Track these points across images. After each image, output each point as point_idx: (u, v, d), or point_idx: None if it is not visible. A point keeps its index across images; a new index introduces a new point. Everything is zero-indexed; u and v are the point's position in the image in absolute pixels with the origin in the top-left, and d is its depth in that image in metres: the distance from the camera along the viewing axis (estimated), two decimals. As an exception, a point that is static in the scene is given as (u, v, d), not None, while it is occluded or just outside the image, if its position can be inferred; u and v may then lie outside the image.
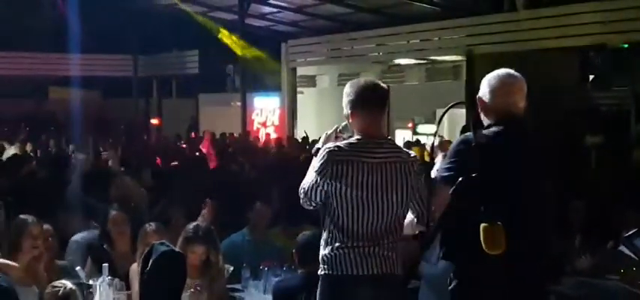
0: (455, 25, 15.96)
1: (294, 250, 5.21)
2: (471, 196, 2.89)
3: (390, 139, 3.93)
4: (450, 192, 2.96)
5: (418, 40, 17.32)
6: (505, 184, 3.18)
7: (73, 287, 4.55)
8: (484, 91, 3.59)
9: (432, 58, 18.22)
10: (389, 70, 20.34)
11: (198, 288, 5.12)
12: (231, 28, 19.04)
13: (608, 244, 5.72)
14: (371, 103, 3.78)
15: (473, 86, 15.95)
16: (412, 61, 19.03)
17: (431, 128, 19.68)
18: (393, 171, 3.67)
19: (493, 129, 3.47)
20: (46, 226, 5.92)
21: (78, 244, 6.31)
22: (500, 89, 3.55)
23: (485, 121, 3.56)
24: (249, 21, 18.81)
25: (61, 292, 4.41)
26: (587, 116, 14.88)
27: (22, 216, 5.39)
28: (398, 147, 3.95)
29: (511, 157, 3.34)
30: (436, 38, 16.84)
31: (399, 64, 19.72)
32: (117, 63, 24.12)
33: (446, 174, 3.33)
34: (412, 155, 3.84)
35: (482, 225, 2.75)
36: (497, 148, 3.32)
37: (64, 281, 4.64)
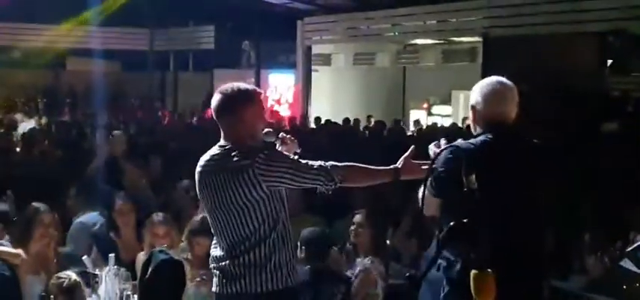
0: (472, 7, 15.84)
1: (298, 244, 5.19)
2: (462, 240, 2.85)
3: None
4: (440, 237, 2.93)
5: (435, 21, 17.21)
6: (496, 194, 3.16)
7: (78, 278, 4.56)
8: (476, 99, 3.55)
9: (448, 39, 18.11)
10: (405, 50, 20.29)
11: (204, 277, 5.14)
12: (247, 5, 18.97)
13: (617, 244, 5.66)
14: None
15: (489, 68, 15.87)
16: (428, 42, 18.93)
17: (446, 109, 19.65)
18: None
19: (481, 138, 3.44)
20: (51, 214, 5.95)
21: (82, 226, 6.31)
22: (492, 97, 3.50)
23: (477, 129, 3.52)
24: (266, -2, 18.78)
25: (65, 283, 4.42)
26: (604, 102, 14.75)
27: (34, 204, 5.39)
28: None
29: (501, 166, 3.31)
30: (453, 19, 16.73)
31: (415, 45, 19.65)
32: (134, 36, 24.12)
33: (436, 186, 3.30)
34: None
35: (473, 272, 2.72)
36: (486, 158, 3.29)
37: (68, 272, 4.65)
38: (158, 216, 5.74)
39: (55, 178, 8.31)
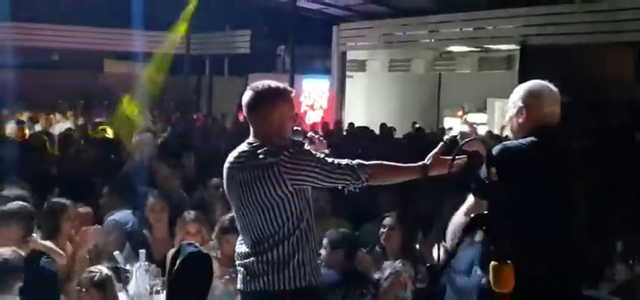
0: (510, 15, 15.71)
1: (324, 246, 5.20)
2: (483, 231, 2.84)
3: None
4: (463, 229, 2.91)
5: (471, 28, 17.10)
6: (539, 197, 3.14)
7: (109, 273, 4.62)
8: (524, 100, 3.50)
9: (484, 46, 17.99)
10: (441, 57, 20.19)
11: (233, 275, 5.17)
12: (283, 10, 19.03)
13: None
14: None
15: (526, 77, 15.72)
16: (464, 49, 18.83)
17: (481, 117, 19.51)
18: None
19: (529, 139, 3.40)
20: (85, 210, 6.04)
21: (115, 223, 6.38)
22: (544, 99, 3.49)
23: (522, 131, 3.48)
24: (301, 3, 18.77)
25: (96, 277, 4.47)
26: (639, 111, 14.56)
27: (59, 199, 5.47)
28: None
29: (545, 169, 3.28)
30: (490, 27, 16.60)
31: (451, 52, 19.55)
32: (170, 39, 24.31)
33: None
34: None
35: (492, 264, 2.71)
36: (533, 159, 3.27)
37: (100, 266, 4.71)
38: (190, 214, 5.80)
39: (90, 176, 8.44)
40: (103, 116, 19.60)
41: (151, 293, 5.12)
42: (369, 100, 20.78)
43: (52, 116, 17.26)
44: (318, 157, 3.56)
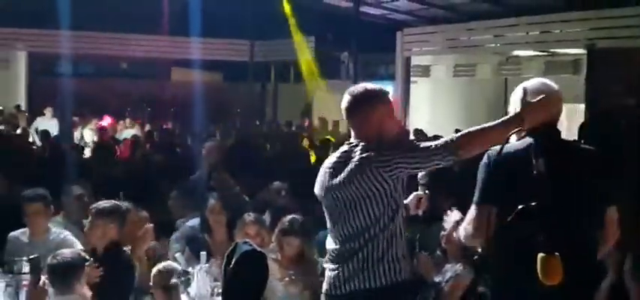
0: (577, 18, 15.37)
1: None
2: (529, 225, 2.79)
3: None
4: (509, 220, 2.87)
5: (538, 32, 16.79)
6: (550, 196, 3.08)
7: (178, 281, 4.73)
8: (523, 100, 3.49)
9: (551, 50, 17.66)
10: (507, 61, 19.87)
11: (293, 277, 5.18)
12: (346, 16, 19.02)
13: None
14: None
15: (593, 81, 15.40)
16: (531, 53, 18.51)
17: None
18: None
19: (527, 140, 3.34)
20: (143, 213, 6.14)
21: (183, 228, 6.50)
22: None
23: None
24: (365, 9, 18.73)
25: (166, 282, 4.58)
26: None
27: (118, 202, 5.59)
28: None
29: (552, 167, 3.20)
30: (557, 30, 16.28)
31: (517, 56, 19.24)
32: (235, 48, 24.57)
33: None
34: None
35: (540, 256, 2.65)
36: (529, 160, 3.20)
37: (171, 264, 4.84)
38: (250, 216, 5.85)
39: (155, 180, 8.58)
40: (170, 123, 19.95)
41: (212, 295, 5.18)
42: (433, 106, 20.60)
43: (121, 122, 17.63)
44: (409, 143, 3.61)
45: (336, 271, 3.59)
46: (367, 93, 3.72)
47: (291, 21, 20.57)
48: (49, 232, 6.06)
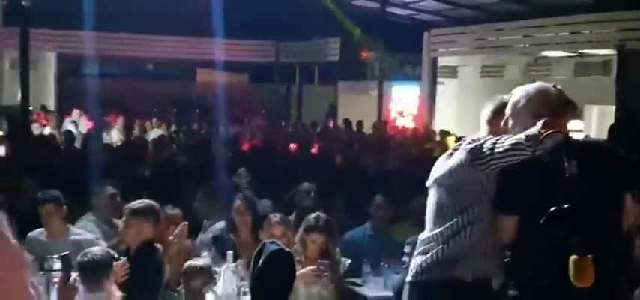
0: (607, 19, 15.19)
1: (407, 252, 5.16)
2: (561, 227, 2.77)
3: None
4: (541, 222, 2.84)
5: (567, 33, 16.61)
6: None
7: (209, 262, 4.76)
8: (523, 102, 3.51)
9: (581, 51, 17.46)
10: (535, 62, 19.67)
11: (322, 267, 5.15)
12: (373, 17, 18.94)
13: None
14: None
15: (623, 83, 15.20)
16: (560, 54, 18.32)
17: (578, 124, 18.93)
18: None
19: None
20: (174, 211, 6.14)
21: (210, 230, 6.50)
22: (548, 99, 3.48)
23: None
24: (391, 9, 18.65)
25: (199, 267, 4.59)
26: None
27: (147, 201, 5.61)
28: None
29: (583, 168, 3.14)
30: (587, 31, 16.10)
31: (546, 57, 19.05)
32: (261, 49, 24.60)
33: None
34: None
35: (572, 257, 2.60)
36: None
37: (201, 261, 4.85)
38: (276, 216, 5.82)
39: (180, 180, 8.59)
40: (195, 124, 19.99)
41: (238, 294, 5.15)
42: (460, 107, 20.44)
43: (148, 123, 17.70)
44: (497, 138, 3.49)
45: (423, 257, 3.61)
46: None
47: (340, 18, 20.23)
48: (68, 232, 6.08)
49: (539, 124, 3.25)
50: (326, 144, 13.36)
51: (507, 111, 3.61)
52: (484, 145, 3.47)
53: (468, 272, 3.50)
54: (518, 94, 3.60)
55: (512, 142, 3.34)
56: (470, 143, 3.56)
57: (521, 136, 3.31)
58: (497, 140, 3.43)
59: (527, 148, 3.25)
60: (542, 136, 3.15)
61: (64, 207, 6.11)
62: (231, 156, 10.39)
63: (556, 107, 3.42)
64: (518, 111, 3.54)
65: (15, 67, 15.94)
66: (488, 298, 3.55)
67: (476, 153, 3.46)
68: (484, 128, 3.79)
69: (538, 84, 3.67)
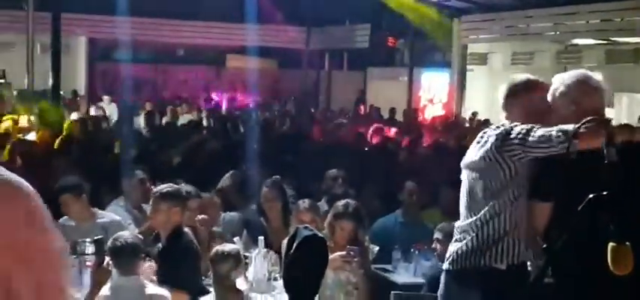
0: (638, 6, 15.01)
1: (437, 239, 5.20)
2: (600, 214, 2.77)
3: None
4: (579, 209, 2.84)
5: (598, 20, 16.44)
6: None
7: (238, 248, 4.81)
8: (565, 92, 3.55)
9: (612, 39, 17.28)
10: (566, 50, 19.53)
11: (352, 253, 5.18)
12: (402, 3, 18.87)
13: None
14: None
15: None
16: (591, 42, 18.14)
17: (608, 112, 18.74)
18: None
19: None
20: (208, 196, 6.20)
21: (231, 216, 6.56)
22: (591, 90, 3.53)
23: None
24: (422, -4, 18.58)
25: (226, 252, 4.64)
26: None
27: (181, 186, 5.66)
28: None
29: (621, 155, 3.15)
30: (618, 19, 15.92)
31: (576, 45, 18.89)
32: (291, 34, 24.62)
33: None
34: None
35: (611, 245, 2.61)
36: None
37: (229, 246, 4.91)
38: (304, 202, 5.86)
39: (210, 166, 8.66)
40: (224, 110, 20.10)
41: (269, 279, 5.20)
42: (489, 95, 20.32)
43: (178, 108, 17.81)
44: (528, 128, 3.50)
45: (458, 246, 3.67)
46: (519, 83, 3.83)
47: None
48: (95, 216, 6.04)
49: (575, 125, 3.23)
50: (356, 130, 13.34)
51: (549, 97, 3.62)
52: (512, 131, 3.49)
53: (501, 260, 3.54)
54: (557, 82, 3.60)
55: (544, 134, 3.34)
56: (498, 128, 3.58)
57: (553, 130, 3.32)
58: (530, 129, 3.43)
59: (558, 144, 3.26)
60: (576, 131, 3.13)
61: (83, 195, 5.99)
62: (261, 142, 10.42)
63: (592, 95, 3.43)
64: (556, 100, 3.55)
65: (46, 51, 16.09)
66: (523, 285, 3.55)
67: (503, 138, 3.49)
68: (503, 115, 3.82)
69: (575, 72, 3.69)
